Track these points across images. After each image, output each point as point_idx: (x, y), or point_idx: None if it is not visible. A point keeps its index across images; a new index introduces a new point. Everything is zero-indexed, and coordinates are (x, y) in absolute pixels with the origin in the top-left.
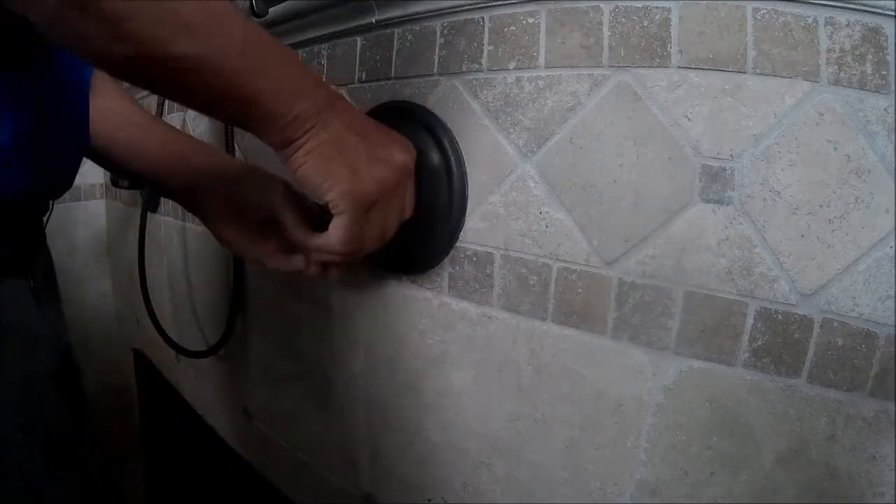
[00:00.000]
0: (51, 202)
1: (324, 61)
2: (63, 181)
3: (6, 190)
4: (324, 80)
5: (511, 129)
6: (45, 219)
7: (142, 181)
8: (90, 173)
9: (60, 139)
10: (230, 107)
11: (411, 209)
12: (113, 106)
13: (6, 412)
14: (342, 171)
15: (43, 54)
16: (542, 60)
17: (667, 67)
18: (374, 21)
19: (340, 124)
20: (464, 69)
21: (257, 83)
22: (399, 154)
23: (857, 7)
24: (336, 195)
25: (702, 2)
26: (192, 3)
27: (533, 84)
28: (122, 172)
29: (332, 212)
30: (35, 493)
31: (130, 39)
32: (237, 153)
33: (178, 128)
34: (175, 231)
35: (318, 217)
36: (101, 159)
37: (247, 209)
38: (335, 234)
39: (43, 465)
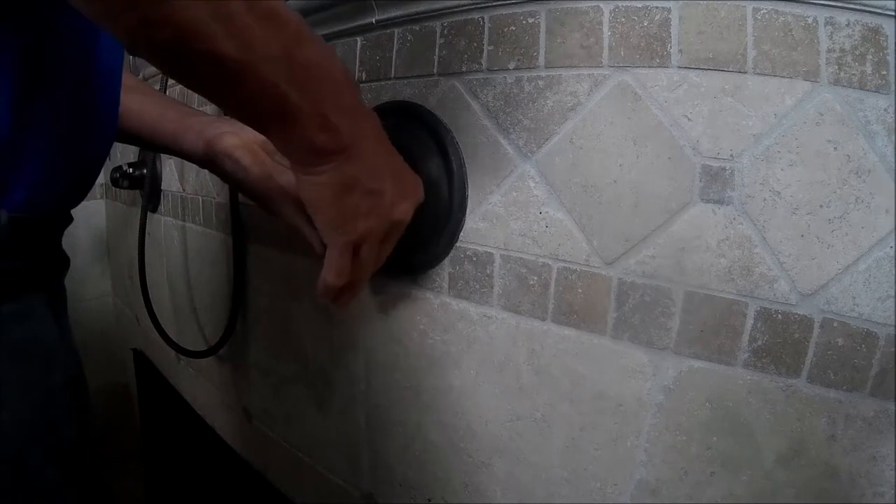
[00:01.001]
0: (71, 213)
1: None
2: (81, 186)
3: (31, 198)
4: (363, 107)
5: (511, 129)
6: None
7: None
8: None
9: (88, 121)
10: (259, 117)
11: (391, 248)
12: (128, 81)
13: (24, 428)
14: (338, 212)
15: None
16: (542, 60)
17: (667, 67)
18: (374, 21)
19: (361, 165)
20: (464, 69)
21: (294, 102)
22: (400, 210)
23: (857, 7)
24: (325, 230)
25: (702, 2)
26: (245, 3)
27: (533, 84)
28: (127, 142)
29: (324, 239)
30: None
31: (171, 29)
32: None
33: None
34: (175, 231)
35: None
36: (124, 134)
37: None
38: (325, 269)
39: (56, 479)
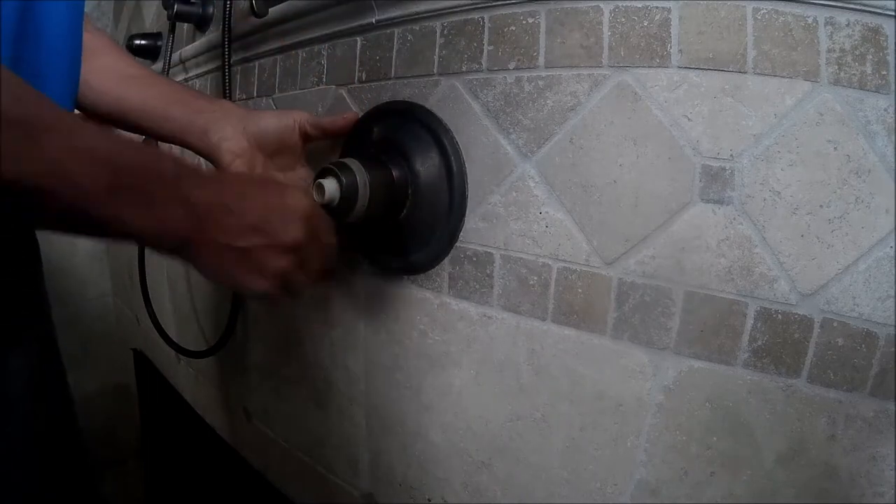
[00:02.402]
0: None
1: (324, 61)
2: None
3: None
4: (200, 183)
5: (511, 129)
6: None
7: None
8: None
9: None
10: (86, 227)
11: (333, 238)
12: (107, 63)
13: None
14: (234, 279)
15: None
16: (542, 60)
17: (667, 67)
18: (374, 21)
19: (218, 232)
20: (464, 69)
21: (122, 224)
22: (288, 232)
23: (857, 7)
24: (233, 285)
25: (702, 2)
26: (60, 143)
27: (533, 84)
28: (137, 133)
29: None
30: (8, 494)
31: None
32: None
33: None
34: None
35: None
36: (118, 123)
37: (262, 138)
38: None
39: (17, 465)
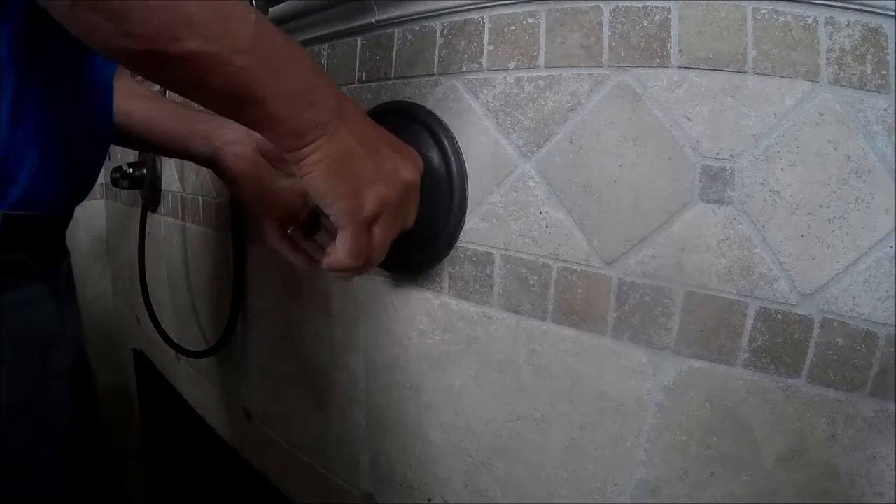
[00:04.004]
0: (73, 209)
1: (324, 61)
2: (83, 181)
3: (27, 198)
4: (337, 91)
5: (511, 129)
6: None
7: (165, 155)
8: None
9: (81, 134)
10: (237, 106)
11: (413, 220)
12: (127, 85)
13: (22, 412)
14: (345, 188)
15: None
16: (542, 60)
17: (667, 67)
18: (374, 21)
19: (349, 136)
20: (464, 69)
21: (265, 85)
22: (406, 171)
23: (857, 7)
24: (337, 212)
25: (702, 2)
26: (200, 2)
27: (533, 84)
28: (142, 147)
29: (335, 225)
30: (43, 492)
31: (137, 36)
32: None
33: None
34: (175, 231)
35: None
36: (123, 137)
37: (267, 149)
38: (340, 249)
39: (53, 465)
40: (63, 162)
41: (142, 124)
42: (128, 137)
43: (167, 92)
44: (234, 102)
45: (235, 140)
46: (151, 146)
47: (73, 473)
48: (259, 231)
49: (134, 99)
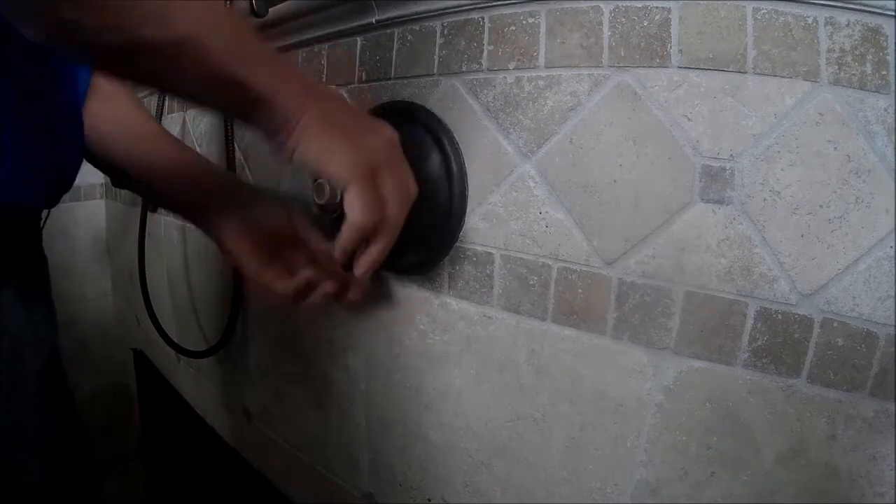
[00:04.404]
0: (45, 211)
1: (324, 61)
2: (56, 185)
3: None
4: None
5: (511, 129)
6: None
7: (145, 192)
8: (90, 173)
9: (49, 137)
10: (219, 92)
11: (415, 188)
12: (120, 114)
13: None
14: (338, 143)
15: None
16: (542, 60)
17: (667, 67)
18: (374, 21)
19: (329, 102)
20: (464, 69)
21: (243, 66)
22: (385, 128)
23: (857, 7)
24: (337, 166)
25: (702, 2)
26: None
27: (533, 84)
28: (122, 179)
29: (339, 185)
30: (22, 496)
31: (121, 26)
32: (237, 153)
33: (178, 132)
34: (175, 231)
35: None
36: (101, 163)
37: (259, 229)
38: (352, 208)
39: (28, 469)
40: (34, 163)
41: (142, 168)
42: (130, 175)
43: (164, 104)
44: (215, 88)
45: (230, 227)
46: (151, 193)
47: (51, 476)
48: (244, 276)
49: (137, 140)
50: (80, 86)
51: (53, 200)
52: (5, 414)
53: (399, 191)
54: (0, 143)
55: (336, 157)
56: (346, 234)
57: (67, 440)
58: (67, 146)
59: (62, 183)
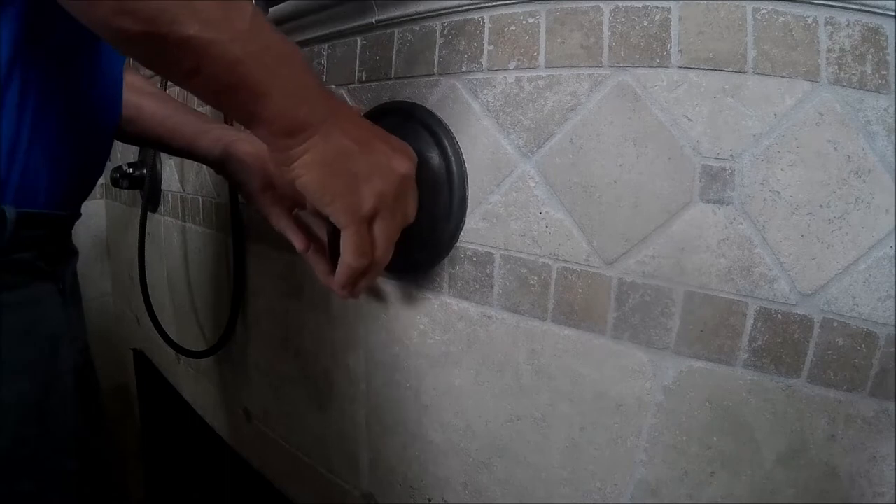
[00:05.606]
0: (81, 208)
1: (324, 61)
2: (91, 173)
3: (33, 195)
4: (328, 91)
5: (511, 129)
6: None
7: (169, 153)
8: None
9: (90, 124)
10: (231, 98)
11: (414, 214)
12: (137, 81)
13: (29, 411)
14: (342, 185)
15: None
16: (542, 60)
17: (667, 67)
18: (374, 21)
19: (342, 135)
20: (464, 69)
21: (261, 78)
22: (400, 163)
23: (857, 7)
24: (335, 210)
25: (702, 2)
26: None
27: (533, 84)
28: (144, 143)
29: (335, 224)
30: (53, 492)
31: (136, 14)
32: None
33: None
34: (175, 231)
35: None
36: (131, 131)
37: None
38: (345, 250)
39: (62, 465)
40: (70, 157)
41: (152, 119)
42: (135, 132)
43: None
44: (229, 94)
45: (245, 138)
46: (158, 142)
47: (79, 473)
48: (265, 215)
49: (145, 95)
50: (117, 83)
51: (85, 193)
52: (43, 409)
53: (393, 232)
54: (37, 140)
55: (336, 202)
56: (340, 270)
57: (97, 437)
58: (104, 137)
59: (94, 175)
